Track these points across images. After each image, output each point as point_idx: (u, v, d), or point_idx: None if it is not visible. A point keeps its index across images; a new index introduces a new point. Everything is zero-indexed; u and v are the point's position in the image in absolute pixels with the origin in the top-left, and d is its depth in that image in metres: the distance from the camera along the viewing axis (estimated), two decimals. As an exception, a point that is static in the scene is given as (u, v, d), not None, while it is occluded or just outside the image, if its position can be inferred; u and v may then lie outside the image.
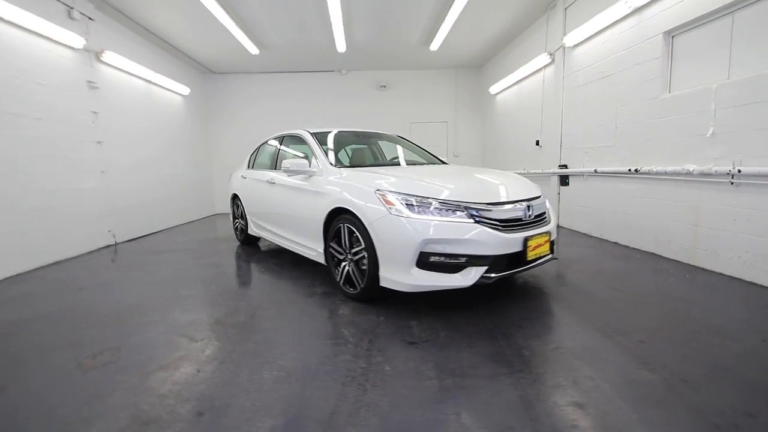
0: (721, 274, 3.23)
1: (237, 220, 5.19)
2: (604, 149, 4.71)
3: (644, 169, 3.99)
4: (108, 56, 5.17)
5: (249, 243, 5.09)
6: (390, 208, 2.46)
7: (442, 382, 1.74)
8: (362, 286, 2.70)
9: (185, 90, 7.52)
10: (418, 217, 2.38)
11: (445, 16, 5.88)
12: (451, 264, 2.39)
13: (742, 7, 3.06)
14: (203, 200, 8.64)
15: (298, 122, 8.92)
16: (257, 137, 9.49)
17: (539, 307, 2.66)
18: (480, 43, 7.38)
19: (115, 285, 3.44)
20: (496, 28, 6.71)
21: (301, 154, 3.84)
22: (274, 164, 4.23)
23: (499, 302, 2.73)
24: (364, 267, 2.69)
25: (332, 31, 6.30)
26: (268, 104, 9.06)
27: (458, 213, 2.43)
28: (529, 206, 2.66)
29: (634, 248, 4.25)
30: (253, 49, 6.95)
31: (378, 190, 2.59)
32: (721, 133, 3.20)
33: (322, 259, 3.20)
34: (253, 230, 4.67)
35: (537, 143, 6.50)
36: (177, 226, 7.23)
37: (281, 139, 4.34)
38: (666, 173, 3.71)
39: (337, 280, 2.97)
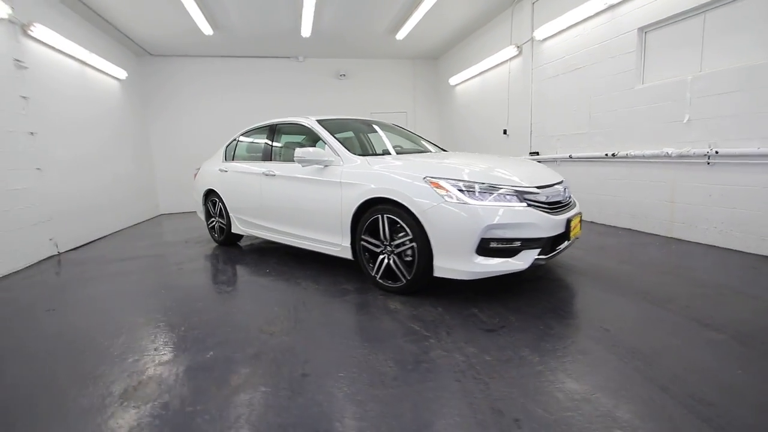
0: (698, 243, 3.70)
1: (214, 219, 4.67)
2: (578, 136, 5.10)
3: (621, 153, 4.39)
4: (38, 30, 4.26)
5: (229, 243, 4.63)
6: (444, 195, 2.39)
7: (548, 364, 1.74)
8: (408, 278, 2.59)
9: (122, 73, 6.53)
10: (478, 203, 2.33)
11: (419, 5, 5.85)
12: (509, 249, 2.39)
13: (713, 8, 3.48)
14: (147, 199, 7.65)
15: (252, 111, 8.31)
16: (204, 127, 8.72)
17: (572, 284, 2.80)
18: (442, 34, 7.49)
19: (99, 301, 2.89)
20: (459, 21, 6.85)
21: (307, 145, 3.56)
22: (268, 155, 3.87)
23: (526, 285, 2.81)
24: (407, 258, 2.60)
25: (301, 12, 5.92)
26: (216, 91, 8.27)
27: (510, 197, 2.43)
28: (565, 188, 2.77)
29: (611, 225, 4.68)
30: (207, 29, 6.25)
31: (427, 177, 2.49)
32: (696, 119, 3.64)
33: (347, 254, 3.01)
34: (238, 228, 4.24)
35: (504, 132, 6.82)
36: (123, 229, 6.31)
37: (272, 128, 3.97)
38: (644, 156, 4.13)
39: (372, 274, 2.82)
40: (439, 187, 2.42)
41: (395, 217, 2.59)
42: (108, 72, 6.15)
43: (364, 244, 2.83)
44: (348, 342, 2.05)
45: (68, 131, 5.01)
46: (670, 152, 3.82)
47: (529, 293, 2.63)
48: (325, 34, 7.06)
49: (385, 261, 2.72)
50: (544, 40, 5.54)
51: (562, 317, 2.24)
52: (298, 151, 3.12)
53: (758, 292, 2.49)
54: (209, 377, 1.76)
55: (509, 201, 2.41)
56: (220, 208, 4.45)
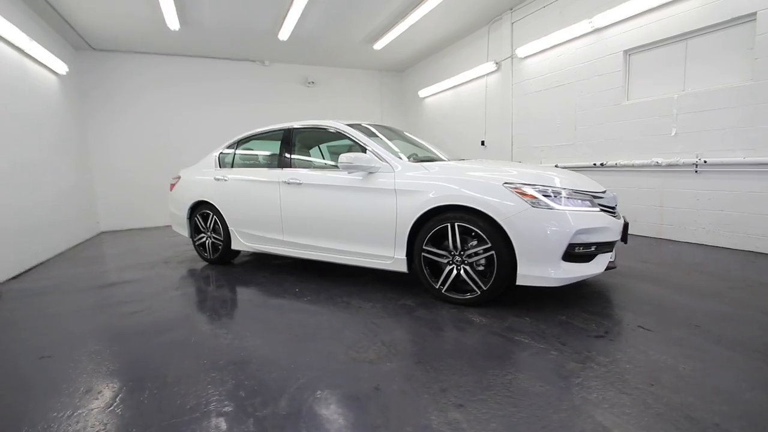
0: (687, 242, 4.14)
1: (205, 235, 4.08)
2: (564, 147, 5.47)
3: (610, 162, 4.79)
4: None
5: (222, 261, 4.07)
6: (530, 201, 2.34)
7: (690, 364, 1.75)
8: (485, 288, 2.48)
9: (62, 67, 5.52)
10: (566, 209, 2.32)
11: (406, 17, 5.88)
12: (588, 254, 2.42)
13: (694, 36, 3.98)
14: (87, 216, 6.50)
15: (213, 118, 7.65)
16: (153, 135, 7.68)
17: (617, 283, 2.92)
18: (416, 47, 7.61)
19: (110, 355, 2.30)
20: (436, 35, 7.03)
21: (342, 151, 3.30)
22: (286, 162, 3.49)
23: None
24: (480, 268, 2.50)
25: (286, 14, 5.57)
26: (168, 94, 7.41)
27: (586, 202, 2.47)
28: (613, 195, 2.90)
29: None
30: (174, 23, 5.58)
31: (507, 183, 2.42)
32: (682, 133, 4.10)
33: (400, 267, 2.80)
34: (240, 244, 3.76)
35: (482, 143, 7.09)
36: (65, 251, 5.26)
37: (288, 133, 3.61)
38: (633, 166, 4.54)
39: (437, 287, 2.65)
40: (522, 193, 2.37)
41: (469, 225, 2.47)
42: (48, 65, 5.16)
43: (427, 255, 2.66)
44: (471, 363, 1.86)
45: (4, 135, 4.06)
46: (659, 161, 4.26)
47: (596, 299, 2.67)
48: (301, 39, 6.74)
49: (454, 272, 2.58)
50: (526, 57, 5.90)
51: (644, 315, 2.31)
52: (344, 157, 2.86)
53: (777, 283, 2.83)
54: (360, 413, 1.46)
55: (588, 206, 2.44)
56: (215, 221, 3.92)
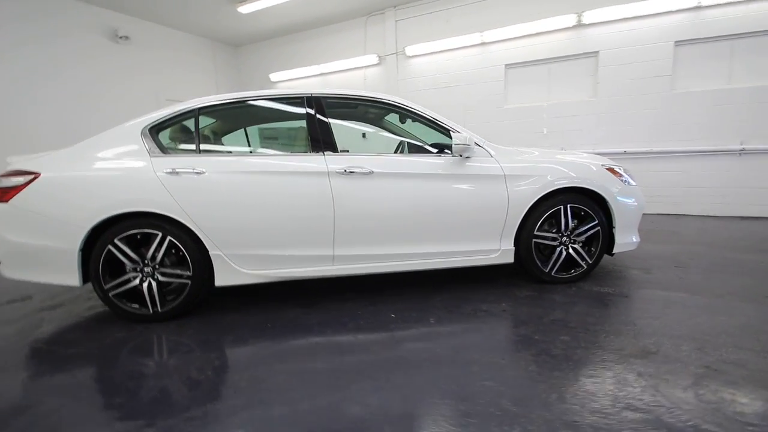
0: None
1: (140, 275, 2.30)
2: (454, 141, 6.25)
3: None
4: None
5: (177, 315, 2.41)
6: (619, 180, 2.72)
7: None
8: (591, 262, 2.71)
9: None
10: (637, 185, 2.84)
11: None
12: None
13: (554, 62, 5.45)
14: None
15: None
16: None
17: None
18: (282, 21, 6.65)
19: None
20: (310, 13, 6.39)
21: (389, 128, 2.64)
22: (330, 144, 2.46)
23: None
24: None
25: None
26: None
27: None
28: None
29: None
30: None
31: (604, 165, 2.72)
32: (550, 132, 5.57)
33: (506, 259, 2.64)
34: (238, 275, 2.37)
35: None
36: None
37: (314, 103, 2.52)
38: (518, 156, 5.78)
39: (547, 270, 2.67)
40: (614, 173, 2.72)
41: (581, 206, 2.63)
42: None
43: (538, 240, 2.63)
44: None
45: None
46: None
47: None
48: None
49: (563, 253, 2.68)
50: (413, 56, 6.30)
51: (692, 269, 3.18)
52: (459, 138, 2.39)
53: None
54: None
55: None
56: (170, 247, 2.30)
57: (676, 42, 4.75)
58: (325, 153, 2.44)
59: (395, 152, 3.20)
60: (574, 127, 5.45)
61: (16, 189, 2.26)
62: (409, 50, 6.22)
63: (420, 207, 2.49)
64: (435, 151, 2.65)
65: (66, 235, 2.24)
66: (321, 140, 2.47)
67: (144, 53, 6.23)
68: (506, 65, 5.72)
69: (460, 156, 2.51)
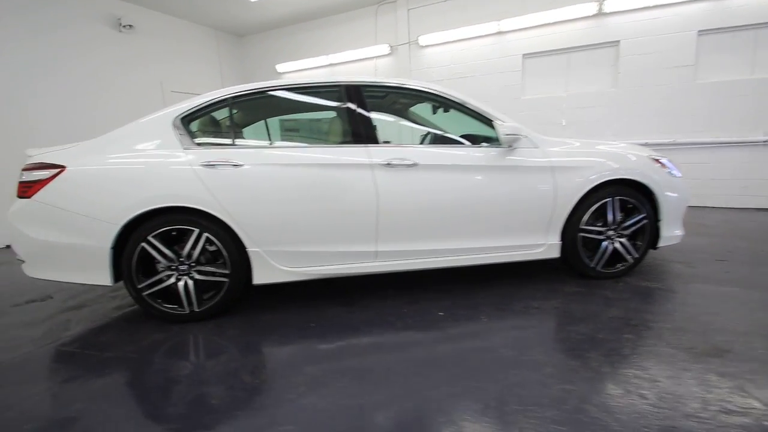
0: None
1: (174, 274, 2.18)
2: (468, 133, 6.14)
3: (515, 146, 5.80)
4: None
5: (215, 313, 2.29)
6: (666, 171, 2.64)
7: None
8: (637, 256, 2.64)
9: None
10: (680, 176, 2.75)
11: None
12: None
13: (574, 51, 5.34)
14: None
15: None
16: None
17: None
18: (290, 9, 6.44)
19: None
20: (312, 3, 6.20)
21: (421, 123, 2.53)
22: (372, 135, 2.34)
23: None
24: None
25: None
26: None
27: None
28: None
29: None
30: None
31: (650, 155, 2.63)
32: (569, 124, 5.47)
33: (552, 254, 2.55)
34: (277, 273, 2.26)
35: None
36: None
37: (352, 93, 2.39)
38: (535, 149, 5.69)
39: (592, 266, 2.59)
40: (661, 165, 2.64)
41: (628, 198, 2.54)
42: None
43: (584, 234, 2.54)
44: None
45: None
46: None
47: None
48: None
49: (610, 247, 2.59)
50: (427, 46, 6.15)
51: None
52: (508, 128, 2.29)
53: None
54: None
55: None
56: (207, 243, 2.17)
57: (699, 31, 4.66)
58: (368, 145, 2.32)
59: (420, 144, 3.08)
60: (594, 118, 5.36)
61: (40, 183, 2.12)
62: (423, 40, 6.06)
63: (465, 200, 2.39)
64: (465, 142, 2.54)
65: (96, 232, 2.11)
66: (362, 131, 2.35)
67: (148, 43, 5.99)
68: (524, 55, 5.60)
69: (509, 147, 2.41)
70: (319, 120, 2.73)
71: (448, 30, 5.83)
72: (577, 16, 5.12)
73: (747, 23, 4.44)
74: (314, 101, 2.59)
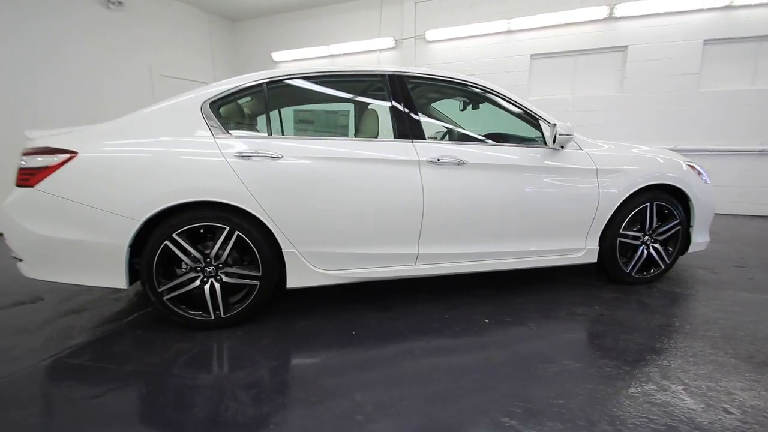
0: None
1: (199, 277, 1.97)
2: (472, 132, 6.08)
3: (519, 147, 5.79)
4: None
5: (242, 319, 2.10)
6: (700, 178, 2.63)
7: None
8: (669, 262, 2.63)
9: None
10: (711, 183, 2.76)
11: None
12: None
13: (581, 54, 5.35)
14: None
15: None
16: None
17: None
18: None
19: None
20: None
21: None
22: (418, 131, 2.19)
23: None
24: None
25: None
26: None
27: None
28: None
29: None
30: None
31: (686, 161, 2.62)
32: (575, 126, 5.47)
33: (590, 258, 2.51)
34: (313, 275, 2.09)
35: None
36: None
37: (396, 83, 2.23)
38: (539, 150, 5.69)
39: (627, 271, 2.56)
40: (695, 171, 2.63)
41: (666, 203, 2.52)
42: None
43: (623, 239, 2.51)
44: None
45: None
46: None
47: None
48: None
49: (644, 253, 2.57)
50: (434, 41, 6.02)
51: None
52: (563, 128, 2.22)
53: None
54: None
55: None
56: (236, 243, 1.98)
57: (705, 40, 4.76)
58: (414, 140, 2.17)
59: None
60: (599, 121, 5.41)
61: (46, 171, 1.86)
62: (430, 35, 5.93)
63: (510, 202, 2.30)
64: (490, 142, 2.46)
65: (112, 228, 1.88)
66: (408, 125, 2.20)
67: (136, 23, 5.57)
68: (532, 55, 5.57)
69: (561, 147, 2.34)
70: (363, 110, 2.56)
71: (457, 26, 5.72)
72: (587, 19, 5.13)
73: (752, 34, 4.57)
74: (354, 91, 2.42)
